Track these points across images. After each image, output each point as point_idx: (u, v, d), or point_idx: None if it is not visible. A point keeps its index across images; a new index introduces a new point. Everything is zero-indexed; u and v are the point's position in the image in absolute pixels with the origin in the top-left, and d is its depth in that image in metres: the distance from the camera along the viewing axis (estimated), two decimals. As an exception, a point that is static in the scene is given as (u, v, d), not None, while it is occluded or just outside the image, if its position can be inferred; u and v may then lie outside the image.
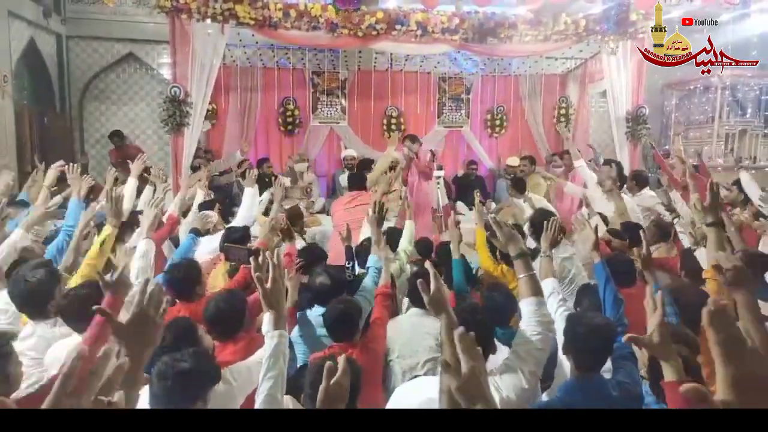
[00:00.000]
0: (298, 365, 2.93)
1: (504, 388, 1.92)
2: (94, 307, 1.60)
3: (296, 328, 3.06)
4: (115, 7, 7.86)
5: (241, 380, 2.24)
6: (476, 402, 1.30)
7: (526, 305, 2.11)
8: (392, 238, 4.11)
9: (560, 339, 2.29)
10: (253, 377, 2.23)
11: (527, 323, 2.08)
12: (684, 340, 2.18)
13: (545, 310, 2.11)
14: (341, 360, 1.51)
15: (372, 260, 3.36)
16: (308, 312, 3.10)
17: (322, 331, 2.95)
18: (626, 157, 7.25)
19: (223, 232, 4.11)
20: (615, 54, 6.84)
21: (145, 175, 4.93)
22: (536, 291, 2.13)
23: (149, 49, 8.19)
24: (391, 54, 8.09)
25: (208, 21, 5.90)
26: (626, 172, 7.23)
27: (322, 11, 6.03)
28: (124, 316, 1.59)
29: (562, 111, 8.84)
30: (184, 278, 3.05)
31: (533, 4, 5.96)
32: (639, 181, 5.89)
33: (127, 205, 4.11)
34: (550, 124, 8.91)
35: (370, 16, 6.11)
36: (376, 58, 8.33)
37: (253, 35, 6.79)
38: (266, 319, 2.12)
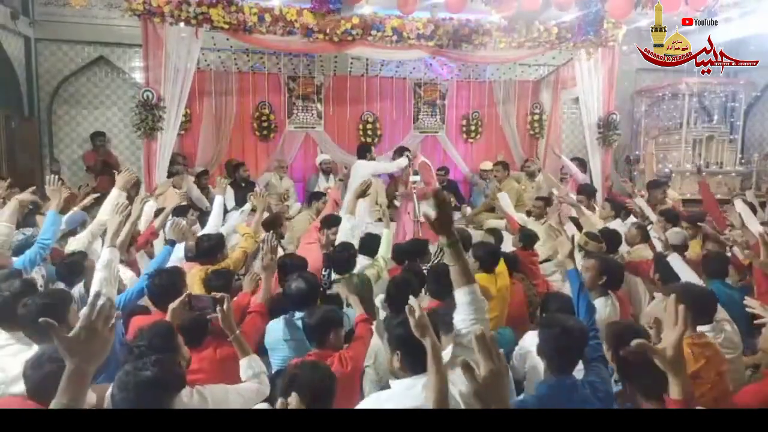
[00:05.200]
0: (274, 370, 2.90)
1: (459, 382, 1.90)
2: (40, 319, 1.53)
3: (276, 335, 3.03)
4: (86, 9, 7.71)
5: (216, 402, 2.21)
6: (492, 404, 1.30)
7: (461, 294, 2.08)
8: (370, 244, 4.16)
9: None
10: (230, 402, 2.22)
11: (464, 312, 2.07)
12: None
13: (479, 295, 2.10)
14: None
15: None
16: (294, 316, 3.08)
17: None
18: (598, 161, 7.41)
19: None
20: (592, 56, 6.98)
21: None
22: (469, 279, 2.09)
23: (121, 53, 8.05)
24: (367, 59, 8.11)
25: (182, 25, 5.83)
26: (598, 172, 7.43)
27: (298, 16, 6.01)
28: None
29: (536, 117, 8.98)
30: (167, 286, 2.98)
31: (506, 12, 6.03)
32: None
33: (104, 217, 4.02)
34: (524, 130, 9.03)
35: (346, 21, 6.12)
36: (351, 64, 8.33)
37: (227, 39, 6.75)
38: (243, 363, 2.12)
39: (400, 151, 6.71)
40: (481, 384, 1.29)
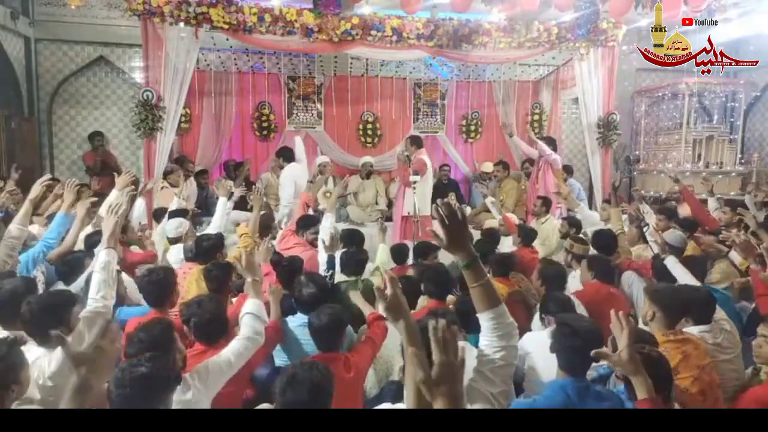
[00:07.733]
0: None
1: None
2: (52, 333, 1.65)
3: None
4: (86, 9, 7.72)
5: (203, 383, 2.26)
6: (444, 398, 1.28)
7: (483, 320, 1.81)
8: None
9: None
10: (211, 376, 2.30)
11: (487, 339, 1.81)
12: (643, 339, 2.29)
13: (505, 318, 1.80)
14: None
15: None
16: (289, 320, 3.08)
17: (304, 338, 2.93)
18: (598, 161, 7.41)
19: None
20: (586, 58, 6.98)
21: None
22: (492, 302, 1.78)
23: (120, 53, 8.06)
24: (367, 59, 8.11)
25: (182, 25, 5.83)
26: (597, 172, 7.40)
27: (298, 16, 6.01)
28: (76, 341, 1.77)
29: (536, 117, 8.97)
30: (160, 283, 2.99)
31: (507, 12, 6.02)
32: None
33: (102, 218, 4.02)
34: (524, 130, 9.02)
35: (346, 21, 6.12)
36: (351, 64, 8.33)
37: (227, 39, 6.75)
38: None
39: (413, 141, 6.67)
40: (430, 374, 1.27)
